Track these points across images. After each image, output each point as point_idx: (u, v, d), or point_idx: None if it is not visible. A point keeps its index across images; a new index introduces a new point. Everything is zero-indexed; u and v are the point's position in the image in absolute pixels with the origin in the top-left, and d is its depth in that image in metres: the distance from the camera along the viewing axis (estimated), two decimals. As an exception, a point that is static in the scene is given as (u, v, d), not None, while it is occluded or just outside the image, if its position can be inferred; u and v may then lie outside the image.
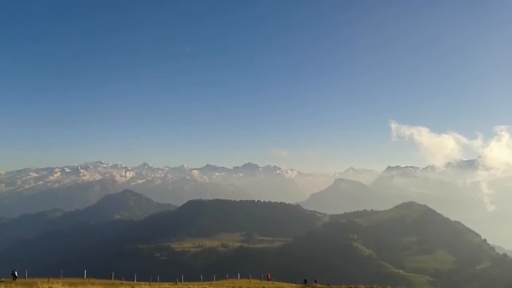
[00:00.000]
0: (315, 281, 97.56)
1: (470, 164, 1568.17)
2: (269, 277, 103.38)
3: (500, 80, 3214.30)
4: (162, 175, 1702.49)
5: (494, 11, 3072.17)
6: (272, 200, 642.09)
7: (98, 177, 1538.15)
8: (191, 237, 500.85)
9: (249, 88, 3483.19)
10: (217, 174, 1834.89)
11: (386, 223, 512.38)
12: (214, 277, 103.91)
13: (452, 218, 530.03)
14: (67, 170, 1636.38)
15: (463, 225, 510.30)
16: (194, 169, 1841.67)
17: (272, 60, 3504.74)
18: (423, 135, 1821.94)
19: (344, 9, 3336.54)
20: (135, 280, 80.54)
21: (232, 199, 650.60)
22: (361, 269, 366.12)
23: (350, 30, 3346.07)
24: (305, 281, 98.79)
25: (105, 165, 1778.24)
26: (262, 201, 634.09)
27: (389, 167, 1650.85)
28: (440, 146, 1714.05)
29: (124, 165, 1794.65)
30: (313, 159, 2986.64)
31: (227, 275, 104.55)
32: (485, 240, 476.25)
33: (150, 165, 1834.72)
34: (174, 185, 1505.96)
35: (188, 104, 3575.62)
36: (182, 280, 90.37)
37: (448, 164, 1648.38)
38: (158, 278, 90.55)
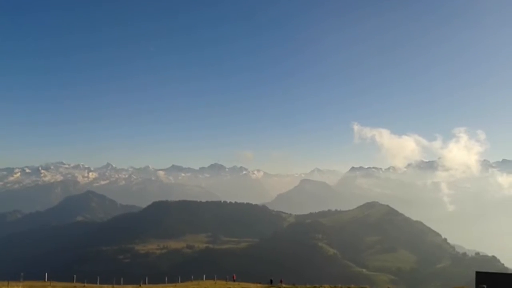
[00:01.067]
0: (281, 281, 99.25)
1: (430, 165, 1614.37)
2: (234, 278, 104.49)
3: (459, 83, 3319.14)
4: (126, 176, 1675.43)
5: (455, 15, 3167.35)
6: (239, 201, 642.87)
7: (59, 178, 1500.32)
8: (155, 239, 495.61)
9: (215, 88, 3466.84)
10: (183, 174, 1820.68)
11: (350, 223, 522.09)
12: (179, 278, 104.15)
13: (414, 218, 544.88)
14: (28, 170, 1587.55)
15: (424, 225, 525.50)
16: (160, 169, 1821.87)
17: (238, 61, 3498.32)
18: (384, 137, 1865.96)
19: (307, 10, 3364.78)
20: (98, 282, 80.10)
21: (198, 200, 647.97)
22: (325, 268, 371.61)
23: (312, 32, 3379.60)
24: (271, 281, 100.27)
25: (66, 166, 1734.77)
26: (228, 201, 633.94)
27: (353, 167, 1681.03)
28: (401, 148, 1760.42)
29: (86, 166, 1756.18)
30: (279, 160, 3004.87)
31: (192, 277, 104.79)
32: (445, 240, 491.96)
33: (114, 165, 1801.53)
34: (139, 186, 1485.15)
35: (153, 103, 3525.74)
36: (147, 282, 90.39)
37: (409, 165, 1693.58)
38: (121, 281, 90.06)
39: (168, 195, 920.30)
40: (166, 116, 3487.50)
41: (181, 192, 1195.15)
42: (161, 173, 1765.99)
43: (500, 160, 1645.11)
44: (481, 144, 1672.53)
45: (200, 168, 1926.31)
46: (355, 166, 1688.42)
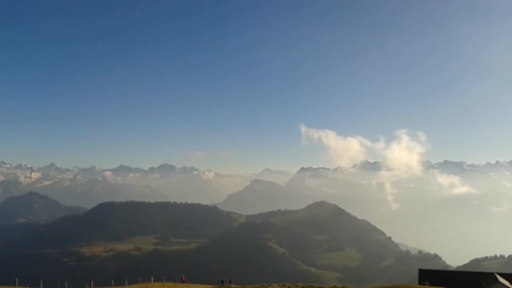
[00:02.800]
0: (230, 282, 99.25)
1: (375, 166, 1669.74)
2: (183, 279, 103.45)
3: (399, 84, 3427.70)
4: (71, 176, 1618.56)
5: (393, 17, 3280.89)
6: (189, 202, 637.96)
7: (0, 178, 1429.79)
8: (102, 241, 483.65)
9: (162, 86, 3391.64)
10: (131, 175, 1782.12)
11: (299, 222, 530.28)
12: (126, 281, 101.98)
13: (360, 217, 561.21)
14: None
15: (370, 224, 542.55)
16: (107, 170, 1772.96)
17: (182, 58, 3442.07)
18: (330, 138, 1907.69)
19: (251, 10, 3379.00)
20: (41, 286, 76.98)
21: (147, 201, 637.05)
22: (275, 267, 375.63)
23: (259, 32, 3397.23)
24: (222, 282, 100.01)
25: (8, 165, 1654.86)
26: (178, 202, 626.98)
27: (302, 168, 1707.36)
28: (346, 149, 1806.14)
29: (29, 166, 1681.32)
30: (230, 160, 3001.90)
31: (140, 279, 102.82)
32: (389, 238, 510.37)
33: (58, 165, 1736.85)
34: (84, 187, 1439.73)
35: (100, 102, 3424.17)
36: (92, 285, 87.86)
37: (355, 165, 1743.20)
38: (66, 284, 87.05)
39: (115, 196, 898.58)
40: (114, 115, 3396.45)
41: (129, 193, 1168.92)
42: (108, 173, 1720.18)
43: (442, 161, 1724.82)
44: (422, 145, 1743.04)
45: (149, 168, 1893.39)
46: (305, 166, 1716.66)
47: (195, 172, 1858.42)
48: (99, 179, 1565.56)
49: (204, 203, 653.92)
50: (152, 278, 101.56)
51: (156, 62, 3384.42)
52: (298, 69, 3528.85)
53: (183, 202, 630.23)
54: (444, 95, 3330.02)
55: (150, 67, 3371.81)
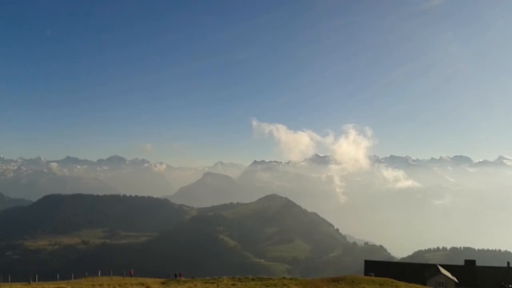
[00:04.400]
0: (180, 275, 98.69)
1: (324, 159, 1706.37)
2: (132, 273, 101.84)
3: (346, 80, 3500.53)
4: (15, 168, 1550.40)
5: (338, 12, 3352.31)
6: (139, 194, 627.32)
7: None
8: (47, 235, 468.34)
9: (111, 78, 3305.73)
10: (78, 167, 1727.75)
11: (251, 215, 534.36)
12: (72, 275, 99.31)
13: (309, 210, 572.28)
14: None
15: (319, 216, 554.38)
16: (53, 161, 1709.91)
17: (135, 48, 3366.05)
18: (281, 132, 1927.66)
19: (187, 8, 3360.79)
20: (-18, 282, 73.68)
21: (96, 193, 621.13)
22: (226, 260, 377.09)
23: (210, 25, 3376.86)
24: (175, 275, 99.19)
25: None
26: (128, 195, 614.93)
27: (255, 161, 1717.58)
28: (296, 142, 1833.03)
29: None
30: (182, 152, 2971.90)
31: (87, 273, 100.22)
32: (337, 230, 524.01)
33: (1, 156, 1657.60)
34: (29, 179, 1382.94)
35: (46, 90, 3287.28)
36: (37, 279, 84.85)
37: (306, 159, 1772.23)
38: (9, 278, 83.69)
39: (62, 189, 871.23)
40: (61, 105, 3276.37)
41: (77, 186, 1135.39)
42: (54, 165, 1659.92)
43: (389, 156, 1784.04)
44: (368, 139, 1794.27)
45: (98, 160, 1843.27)
46: (257, 160, 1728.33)
47: (146, 165, 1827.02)
48: (45, 170, 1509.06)
49: (155, 196, 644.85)
50: (99, 272, 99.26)
51: (104, 52, 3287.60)
52: (249, 63, 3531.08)
53: (133, 195, 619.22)
54: (390, 92, 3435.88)
55: (98, 58, 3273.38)
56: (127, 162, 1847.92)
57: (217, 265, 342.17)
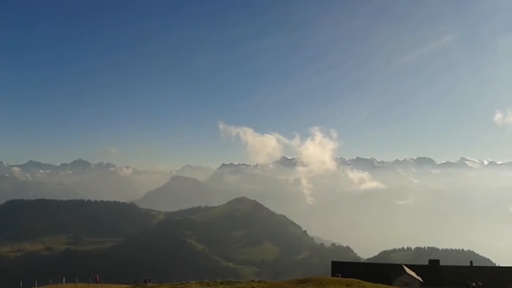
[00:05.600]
0: (149, 280, 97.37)
1: (291, 162, 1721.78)
2: (97, 279, 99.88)
3: (311, 83, 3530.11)
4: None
5: (295, 12, 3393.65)
6: (105, 199, 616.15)
7: None
8: (9, 241, 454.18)
9: (72, 79, 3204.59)
10: (41, 171, 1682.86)
11: (219, 219, 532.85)
12: (36, 282, 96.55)
13: (278, 212, 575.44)
14: None
15: (287, 218, 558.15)
16: (14, 165, 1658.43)
17: (97, 51, 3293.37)
18: (248, 135, 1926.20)
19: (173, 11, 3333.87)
20: None
21: (59, 199, 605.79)
22: (194, 264, 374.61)
23: (178, 29, 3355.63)
24: (145, 281, 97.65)
25: None
26: (93, 200, 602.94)
27: (223, 164, 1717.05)
28: (263, 145, 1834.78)
29: None
30: (149, 156, 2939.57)
31: (51, 280, 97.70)
32: (305, 232, 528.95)
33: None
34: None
35: (7, 92, 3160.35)
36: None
37: (274, 162, 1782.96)
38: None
39: (24, 194, 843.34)
40: (22, 107, 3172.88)
41: (40, 191, 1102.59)
42: (16, 169, 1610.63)
43: (355, 158, 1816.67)
44: (334, 142, 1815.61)
45: (61, 164, 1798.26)
46: (226, 162, 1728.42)
47: (111, 169, 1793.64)
48: (6, 175, 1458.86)
49: (121, 201, 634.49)
50: (64, 279, 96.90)
51: (63, 53, 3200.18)
52: (214, 66, 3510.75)
53: (98, 199, 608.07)
54: (354, 95, 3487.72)
55: (57, 59, 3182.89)
56: (92, 166, 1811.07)
57: (185, 270, 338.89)
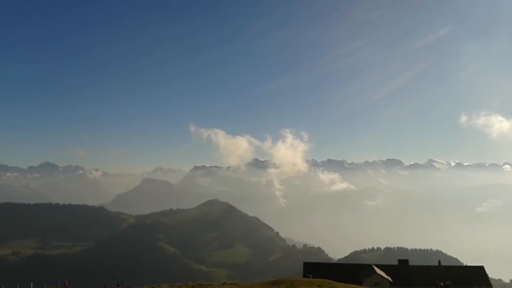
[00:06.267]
0: (122, 284, 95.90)
1: (263, 164, 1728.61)
2: (66, 284, 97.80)
3: (281, 85, 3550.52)
4: None
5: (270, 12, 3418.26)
6: (73, 203, 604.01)
7: None
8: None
9: (40, 80, 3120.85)
10: (8, 174, 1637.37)
11: (191, 221, 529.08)
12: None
13: (250, 214, 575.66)
14: None
15: (259, 220, 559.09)
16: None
17: (59, 50, 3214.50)
18: (219, 137, 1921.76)
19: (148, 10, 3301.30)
20: None
21: (26, 202, 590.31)
22: (165, 268, 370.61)
23: (153, 36, 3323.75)
24: (118, 285, 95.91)
25: None
26: (61, 203, 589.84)
27: (195, 166, 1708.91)
28: (235, 147, 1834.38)
29: None
30: (119, 159, 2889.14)
31: (18, 286, 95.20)
32: (277, 233, 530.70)
33: None
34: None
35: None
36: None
37: (246, 164, 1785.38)
38: None
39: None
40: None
41: (6, 194, 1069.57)
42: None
43: (326, 159, 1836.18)
44: (305, 143, 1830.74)
45: (28, 167, 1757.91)
46: (198, 165, 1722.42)
47: (80, 172, 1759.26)
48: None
49: (90, 204, 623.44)
50: (31, 284, 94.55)
51: (31, 54, 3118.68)
52: (185, 69, 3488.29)
53: (67, 203, 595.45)
54: (325, 98, 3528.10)
55: (25, 60, 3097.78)
56: (60, 169, 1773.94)
57: (156, 273, 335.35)
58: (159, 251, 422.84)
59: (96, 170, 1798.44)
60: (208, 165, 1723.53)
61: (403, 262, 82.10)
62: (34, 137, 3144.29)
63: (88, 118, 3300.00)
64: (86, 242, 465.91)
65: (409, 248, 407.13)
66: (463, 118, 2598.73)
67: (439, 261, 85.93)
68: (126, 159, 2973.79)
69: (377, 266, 79.22)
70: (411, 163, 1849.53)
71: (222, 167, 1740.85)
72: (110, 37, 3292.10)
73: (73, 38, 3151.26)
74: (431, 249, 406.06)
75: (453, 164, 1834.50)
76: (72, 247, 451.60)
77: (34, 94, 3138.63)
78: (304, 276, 74.68)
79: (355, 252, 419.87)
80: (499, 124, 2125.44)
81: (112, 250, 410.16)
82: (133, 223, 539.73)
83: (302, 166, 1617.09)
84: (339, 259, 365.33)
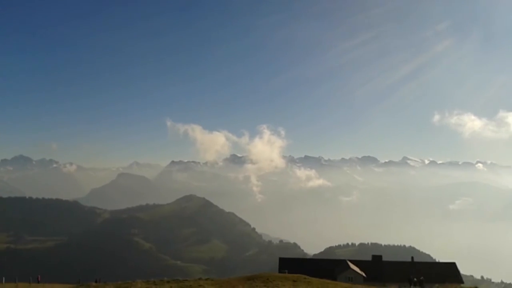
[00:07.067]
0: (99, 280, 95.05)
1: (241, 159, 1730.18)
2: (39, 279, 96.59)
3: (258, 81, 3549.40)
4: None
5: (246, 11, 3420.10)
6: (47, 197, 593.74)
7: None
8: None
9: (12, 73, 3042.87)
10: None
11: (168, 216, 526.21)
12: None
13: (227, 209, 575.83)
14: None
15: (236, 215, 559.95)
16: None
17: (32, 43, 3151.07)
18: (196, 132, 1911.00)
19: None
20: None
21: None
22: (140, 263, 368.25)
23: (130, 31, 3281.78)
24: (96, 281, 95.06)
25: None
26: (35, 197, 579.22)
27: (172, 161, 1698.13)
28: (212, 143, 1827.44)
29: None
30: (95, 152, 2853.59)
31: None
32: (254, 229, 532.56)
33: None
34: None
35: None
36: None
37: (223, 159, 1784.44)
38: None
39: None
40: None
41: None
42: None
43: (303, 156, 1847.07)
44: (282, 140, 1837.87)
45: (1, 160, 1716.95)
46: (175, 160, 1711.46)
47: (54, 165, 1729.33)
48: None
49: (64, 198, 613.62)
50: (3, 279, 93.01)
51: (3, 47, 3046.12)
52: (161, 63, 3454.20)
53: (40, 197, 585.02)
54: (303, 94, 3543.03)
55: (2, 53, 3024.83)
56: (34, 162, 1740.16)
57: (131, 269, 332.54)
58: (134, 246, 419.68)
59: (71, 164, 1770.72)
60: (186, 160, 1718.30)
61: (377, 258, 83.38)
62: (7, 129, 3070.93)
63: (63, 111, 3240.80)
64: (59, 236, 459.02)
65: (382, 244, 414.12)
66: (436, 117, 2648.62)
67: (412, 257, 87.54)
68: (102, 153, 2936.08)
69: (351, 261, 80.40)
70: (386, 160, 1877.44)
71: (199, 163, 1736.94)
72: (86, 31, 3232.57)
73: (48, 31, 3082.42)
74: (404, 245, 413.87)
75: (427, 162, 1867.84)
76: (45, 242, 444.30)
77: (6, 87, 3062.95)
78: (280, 272, 75.33)
79: (330, 247, 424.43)
80: (471, 123, 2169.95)
81: (86, 245, 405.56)
82: (108, 218, 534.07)
83: (279, 162, 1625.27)
84: (315, 255, 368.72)
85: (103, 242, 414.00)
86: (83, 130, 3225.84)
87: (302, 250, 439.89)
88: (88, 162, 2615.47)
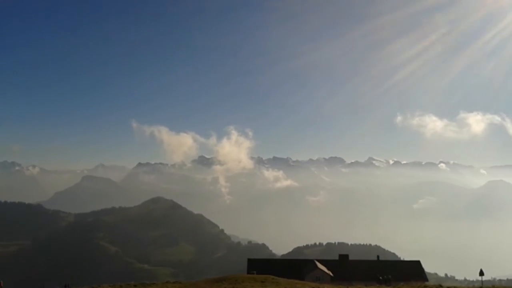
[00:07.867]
0: (68, 285, 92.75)
1: (209, 161, 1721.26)
2: (1, 284, 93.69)
3: (225, 82, 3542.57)
4: None
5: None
6: (9, 200, 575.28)
7: None
8: None
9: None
10: None
11: (134, 219, 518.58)
12: None
13: (195, 211, 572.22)
14: None
15: (204, 217, 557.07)
16: None
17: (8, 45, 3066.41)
18: (163, 134, 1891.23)
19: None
20: None
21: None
22: (106, 267, 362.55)
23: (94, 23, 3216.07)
24: (66, 285, 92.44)
25: None
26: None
27: (139, 163, 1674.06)
28: (179, 144, 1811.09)
29: None
30: (59, 155, 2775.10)
31: None
32: (222, 230, 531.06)
33: None
34: None
35: None
36: None
37: (190, 161, 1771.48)
38: None
39: None
40: None
41: None
42: None
43: (272, 157, 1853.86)
44: (250, 141, 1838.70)
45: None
46: (142, 162, 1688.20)
47: (16, 168, 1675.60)
48: None
49: (27, 202, 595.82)
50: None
51: None
52: (125, 64, 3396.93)
53: (2, 200, 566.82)
54: (269, 95, 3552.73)
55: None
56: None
57: (97, 273, 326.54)
58: (100, 250, 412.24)
59: (34, 166, 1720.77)
60: (153, 162, 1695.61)
61: (344, 257, 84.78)
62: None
63: (24, 113, 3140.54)
64: (22, 241, 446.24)
65: (349, 243, 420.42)
66: (399, 118, 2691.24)
67: (378, 256, 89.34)
68: (66, 155, 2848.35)
69: (318, 261, 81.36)
70: (352, 161, 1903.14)
71: (167, 164, 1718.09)
72: (51, 33, 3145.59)
73: (13, 32, 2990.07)
74: (370, 244, 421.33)
75: (391, 162, 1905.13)
76: (7, 246, 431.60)
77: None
78: (248, 273, 75.58)
79: (298, 247, 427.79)
80: (432, 124, 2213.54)
81: (50, 250, 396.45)
82: (73, 222, 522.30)
83: (247, 163, 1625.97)
84: (283, 255, 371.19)
85: (67, 246, 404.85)
86: (46, 132, 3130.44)
87: (271, 251, 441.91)
88: (51, 165, 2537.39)
